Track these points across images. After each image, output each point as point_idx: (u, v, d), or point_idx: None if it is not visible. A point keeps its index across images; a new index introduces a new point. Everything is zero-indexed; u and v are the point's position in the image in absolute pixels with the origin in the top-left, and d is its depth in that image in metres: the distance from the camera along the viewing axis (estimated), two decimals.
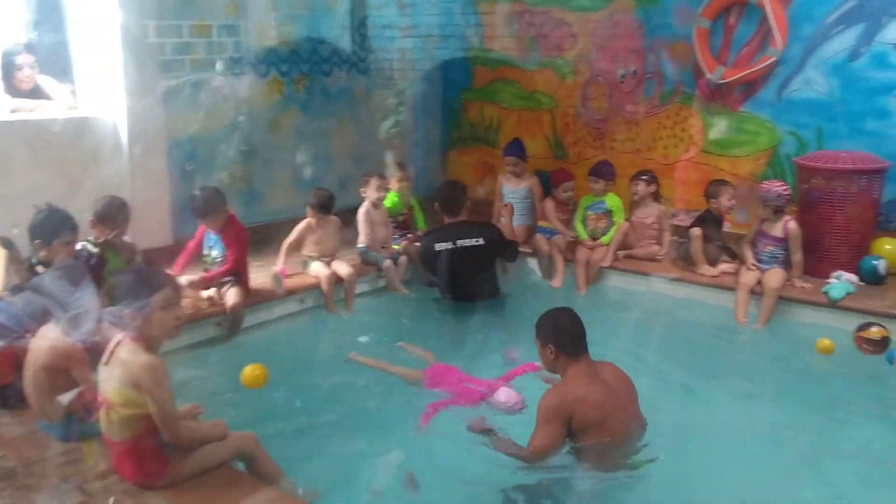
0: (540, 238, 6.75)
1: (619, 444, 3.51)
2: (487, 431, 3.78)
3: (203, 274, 5.44)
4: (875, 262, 5.79)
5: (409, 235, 6.70)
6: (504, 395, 4.30)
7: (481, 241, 5.87)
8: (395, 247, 6.55)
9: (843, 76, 6.29)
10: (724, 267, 6.07)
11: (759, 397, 4.56)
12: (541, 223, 6.92)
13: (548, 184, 6.92)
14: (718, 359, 5.30)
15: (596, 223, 6.64)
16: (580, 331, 3.68)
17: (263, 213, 7.27)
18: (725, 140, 6.98)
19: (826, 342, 5.01)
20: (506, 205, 6.65)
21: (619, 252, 6.51)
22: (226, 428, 3.39)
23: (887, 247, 5.96)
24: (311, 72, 7.62)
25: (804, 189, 6.07)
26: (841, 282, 5.61)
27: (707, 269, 6.08)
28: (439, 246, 5.85)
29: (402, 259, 6.45)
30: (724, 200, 6.09)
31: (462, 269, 5.85)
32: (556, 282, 6.50)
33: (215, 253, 5.50)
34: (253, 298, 5.56)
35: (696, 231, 6.09)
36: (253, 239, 5.99)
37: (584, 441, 3.48)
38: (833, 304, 5.47)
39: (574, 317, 3.72)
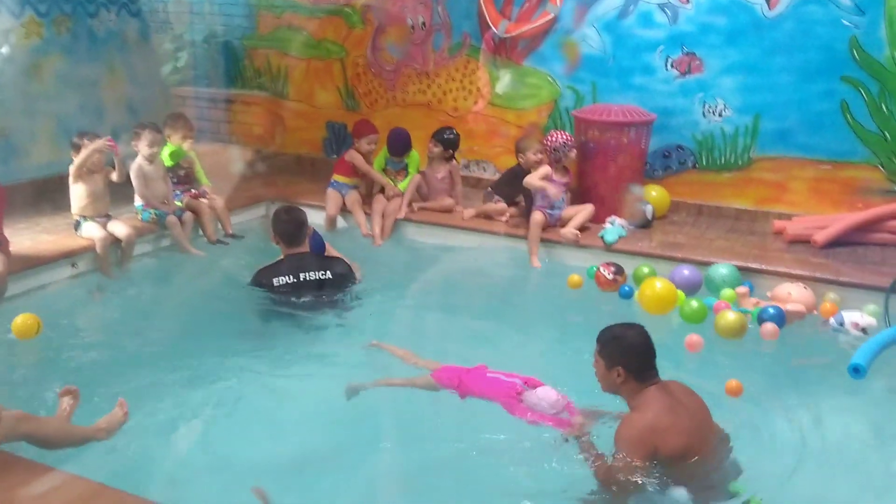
0: (331, 193, 6.66)
1: (708, 465, 3.22)
2: (581, 435, 3.42)
3: None
4: (643, 208, 6.29)
5: (193, 190, 6.33)
6: (545, 392, 3.67)
7: (328, 275, 5.16)
8: (178, 203, 6.16)
9: (614, 33, 6.70)
10: (504, 215, 6.39)
11: (533, 329, 4.99)
12: (335, 177, 6.77)
13: (346, 134, 6.76)
14: (504, 300, 5.60)
15: (395, 176, 6.69)
16: (651, 350, 3.30)
17: (24, 170, 6.56)
18: (511, 93, 7.21)
19: (576, 278, 5.56)
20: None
21: (414, 204, 6.59)
22: None
23: (653, 193, 6.49)
24: (73, 12, 6.88)
25: (581, 140, 6.43)
26: (614, 226, 6.05)
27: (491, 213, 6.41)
28: (279, 281, 5.06)
29: (188, 216, 6.09)
30: (531, 155, 6.30)
31: (307, 295, 5.10)
32: (363, 229, 6.45)
33: None
34: (16, 265, 5.03)
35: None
36: (12, 199, 5.41)
37: (673, 468, 3.14)
38: (608, 248, 5.89)
39: (644, 334, 3.33)
